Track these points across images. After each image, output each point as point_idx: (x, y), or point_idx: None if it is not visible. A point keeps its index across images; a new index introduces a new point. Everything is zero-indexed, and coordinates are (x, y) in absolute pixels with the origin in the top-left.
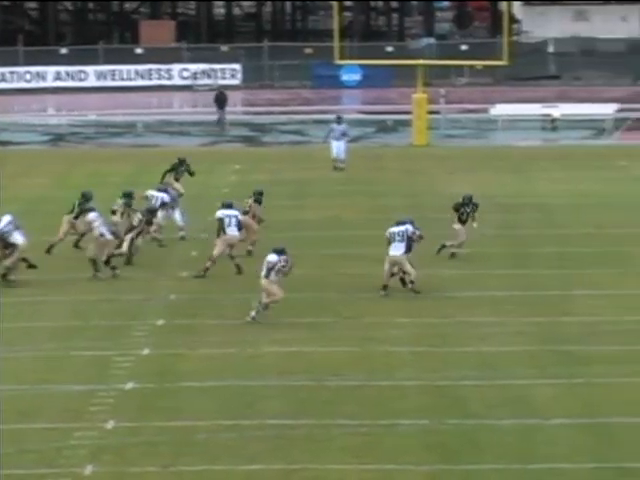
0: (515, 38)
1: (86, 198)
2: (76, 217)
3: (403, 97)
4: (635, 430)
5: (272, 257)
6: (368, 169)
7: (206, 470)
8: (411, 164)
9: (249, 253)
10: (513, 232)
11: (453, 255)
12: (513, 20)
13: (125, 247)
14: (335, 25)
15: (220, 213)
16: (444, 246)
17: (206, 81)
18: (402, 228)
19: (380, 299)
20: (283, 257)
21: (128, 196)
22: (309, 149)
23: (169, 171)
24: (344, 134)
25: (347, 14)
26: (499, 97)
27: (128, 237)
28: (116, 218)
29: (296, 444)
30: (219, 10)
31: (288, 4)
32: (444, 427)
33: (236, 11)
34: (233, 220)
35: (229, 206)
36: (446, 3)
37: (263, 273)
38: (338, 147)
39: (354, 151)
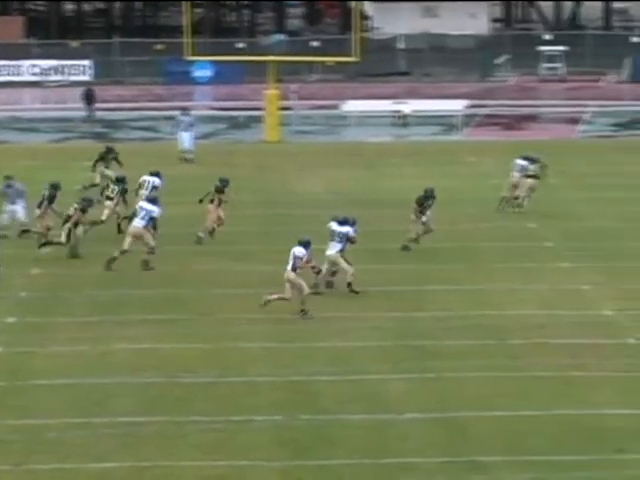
0: (365, 35)
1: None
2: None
3: (255, 93)
4: (485, 424)
5: (299, 250)
6: (220, 165)
7: (58, 469)
8: (263, 160)
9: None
10: (367, 228)
11: (410, 245)
12: (363, 17)
13: (63, 237)
14: (186, 21)
15: (138, 205)
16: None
17: (56, 77)
18: (344, 229)
19: (233, 296)
20: (309, 251)
21: (121, 181)
22: (160, 145)
23: (98, 160)
24: (191, 125)
25: (198, 10)
26: (350, 93)
27: (66, 227)
28: (110, 203)
29: (148, 441)
30: (69, 6)
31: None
32: (297, 423)
33: (86, 7)
34: (143, 212)
35: (152, 201)
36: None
37: (289, 266)
38: (185, 138)
39: (206, 147)
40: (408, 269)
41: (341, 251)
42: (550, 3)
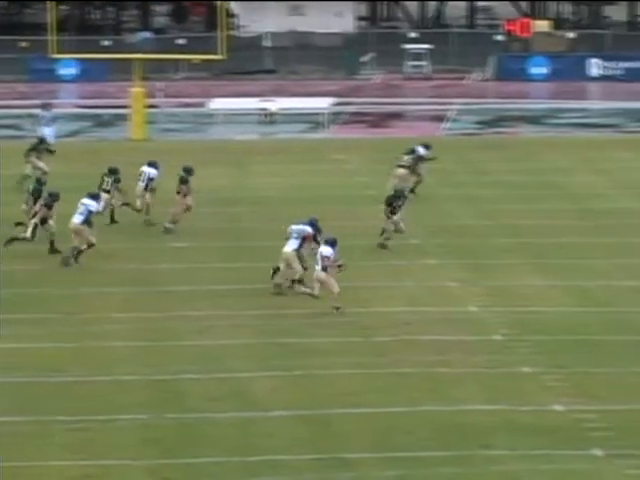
0: (232, 33)
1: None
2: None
3: (121, 91)
4: (352, 421)
5: (327, 250)
6: (85, 164)
7: None
8: (129, 158)
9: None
10: (232, 225)
11: (384, 246)
12: (229, 15)
13: (29, 233)
14: (50, 19)
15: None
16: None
17: None
18: (300, 227)
19: (100, 294)
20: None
21: (114, 172)
22: (26, 144)
23: (31, 150)
24: (53, 120)
25: (63, 8)
26: (217, 91)
27: (32, 222)
28: (107, 196)
29: (15, 441)
30: None
31: None
32: (164, 421)
33: None
34: (82, 208)
35: (92, 197)
36: None
37: (319, 267)
38: (47, 133)
39: (71, 145)
40: (269, 267)
41: (297, 250)
42: (415, 2)
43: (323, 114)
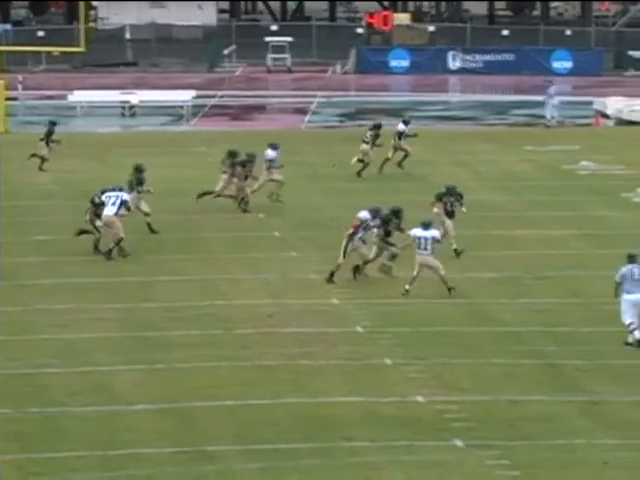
0: (92, 25)
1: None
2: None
3: None
4: (214, 413)
5: (433, 233)
6: None
7: None
8: None
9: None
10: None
11: (457, 253)
12: (89, 7)
13: None
14: None
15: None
16: (456, 251)
17: None
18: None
19: None
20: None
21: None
22: None
23: None
24: None
25: None
26: (77, 84)
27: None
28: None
29: None
30: None
31: None
32: (26, 416)
33: None
34: (112, 199)
35: (116, 189)
36: None
37: (428, 251)
38: None
39: None
40: (134, 260)
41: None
42: None
43: (185, 107)
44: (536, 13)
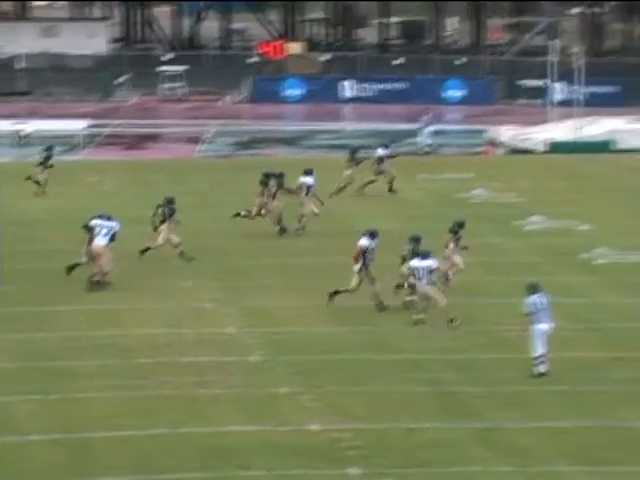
0: None
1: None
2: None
3: None
4: (112, 444)
5: (430, 263)
6: None
7: None
8: None
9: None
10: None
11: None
12: None
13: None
14: None
15: (93, 222)
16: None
17: None
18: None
19: None
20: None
21: (171, 202)
22: None
23: None
24: None
25: None
26: None
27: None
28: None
29: None
30: None
31: None
32: None
33: None
34: (104, 230)
35: (104, 217)
36: None
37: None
38: None
39: None
40: (27, 290)
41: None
42: (169, 23)
43: (78, 136)
44: (429, 42)
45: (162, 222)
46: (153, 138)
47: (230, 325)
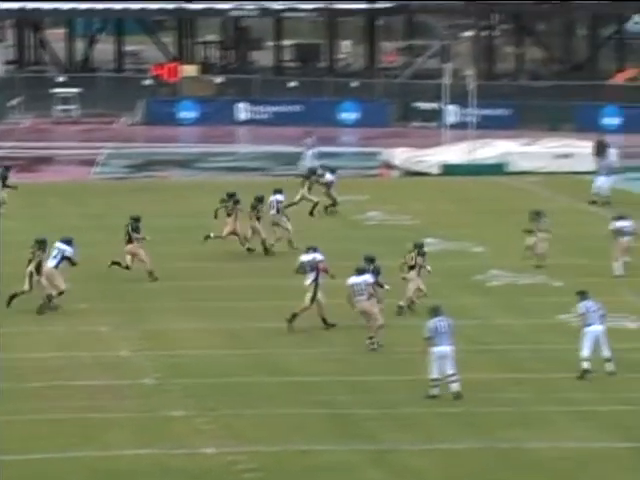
0: None
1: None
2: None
3: None
4: (1, 468)
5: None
6: None
7: None
8: None
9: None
10: None
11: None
12: None
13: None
14: None
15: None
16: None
17: None
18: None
19: None
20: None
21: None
22: None
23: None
24: None
25: None
26: None
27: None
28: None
29: None
30: None
31: None
32: None
33: None
34: (55, 251)
35: (65, 241)
36: None
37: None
38: None
39: None
40: None
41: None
42: (62, 45)
43: None
44: (323, 65)
45: (129, 242)
46: (47, 161)
47: (125, 348)
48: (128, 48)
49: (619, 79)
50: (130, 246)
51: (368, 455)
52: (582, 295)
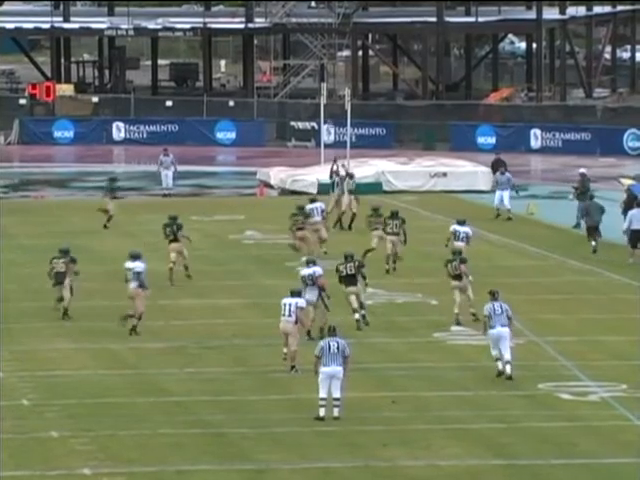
0: None
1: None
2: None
3: None
4: None
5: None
6: None
7: None
8: None
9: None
10: None
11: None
12: None
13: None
14: None
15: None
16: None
17: None
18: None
19: None
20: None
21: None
22: None
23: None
24: None
25: None
26: None
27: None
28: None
29: None
30: None
31: None
32: None
33: None
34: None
35: (135, 257)
36: None
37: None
38: None
39: None
40: None
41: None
42: None
43: None
44: (199, 84)
45: (172, 241)
46: None
47: (0, 369)
48: (3, 67)
49: (493, 99)
50: (175, 244)
51: (244, 475)
52: (491, 296)
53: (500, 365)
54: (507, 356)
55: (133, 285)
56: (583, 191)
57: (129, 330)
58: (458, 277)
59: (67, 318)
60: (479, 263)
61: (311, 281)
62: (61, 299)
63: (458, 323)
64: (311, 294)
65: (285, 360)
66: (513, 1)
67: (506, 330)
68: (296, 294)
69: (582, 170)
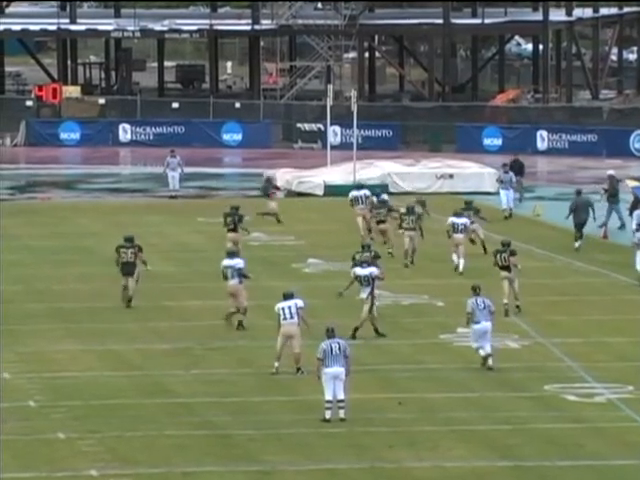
0: None
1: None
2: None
3: None
4: None
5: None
6: None
7: None
8: None
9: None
10: None
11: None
12: None
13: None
14: None
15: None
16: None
17: None
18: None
19: None
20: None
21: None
22: None
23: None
24: None
25: None
26: None
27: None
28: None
29: None
30: None
31: None
32: None
33: None
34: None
35: (232, 255)
36: None
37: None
38: None
39: None
40: None
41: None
42: None
43: None
44: (206, 86)
45: (231, 230)
46: None
47: (5, 370)
48: (9, 69)
49: (500, 100)
50: (234, 234)
51: (250, 476)
52: (473, 291)
53: (482, 352)
54: (488, 349)
55: (234, 282)
56: (613, 193)
57: (236, 326)
58: (507, 268)
59: (130, 306)
60: (484, 264)
61: (367, 282)
62: (126, 287)
63: (507, 314)
64: (365, 292)
65: (278, 360)
66: (520, 2)
67: (489, 325)
68: (289, 296)
69: (610, 172)
